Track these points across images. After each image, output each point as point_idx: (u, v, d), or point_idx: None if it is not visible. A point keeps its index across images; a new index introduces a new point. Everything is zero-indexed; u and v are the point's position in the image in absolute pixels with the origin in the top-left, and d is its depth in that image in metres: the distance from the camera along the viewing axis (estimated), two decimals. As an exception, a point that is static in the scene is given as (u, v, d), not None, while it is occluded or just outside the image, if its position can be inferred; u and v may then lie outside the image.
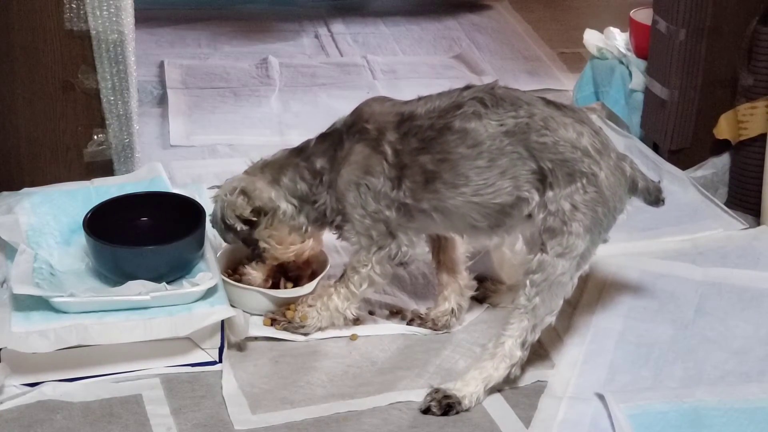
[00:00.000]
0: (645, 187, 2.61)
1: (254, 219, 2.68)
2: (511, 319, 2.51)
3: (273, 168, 2.70)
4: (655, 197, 2.65)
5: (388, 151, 2.57)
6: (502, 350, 2.49)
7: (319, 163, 2.65)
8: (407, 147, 2.56)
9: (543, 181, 2.49)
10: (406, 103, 2.65)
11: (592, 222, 2.49)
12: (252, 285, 2.75)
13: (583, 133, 2.51)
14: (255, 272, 2.76)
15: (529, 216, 2.52)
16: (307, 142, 2.72)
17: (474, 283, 2.82)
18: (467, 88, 2.60)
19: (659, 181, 2.70)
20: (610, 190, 2.51)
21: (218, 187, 2.79)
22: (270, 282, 2.78)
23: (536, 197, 2.50)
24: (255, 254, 2.76)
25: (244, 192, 2.67)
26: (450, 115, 2.54)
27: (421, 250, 2.70)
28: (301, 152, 2.70)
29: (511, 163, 2.50)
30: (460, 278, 2.79)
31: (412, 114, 2.58)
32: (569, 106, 2.60)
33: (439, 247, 2.79)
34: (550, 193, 2.49)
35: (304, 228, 2.70)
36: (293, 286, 2.79)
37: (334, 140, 2.65)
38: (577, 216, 2.48)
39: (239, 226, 2.69)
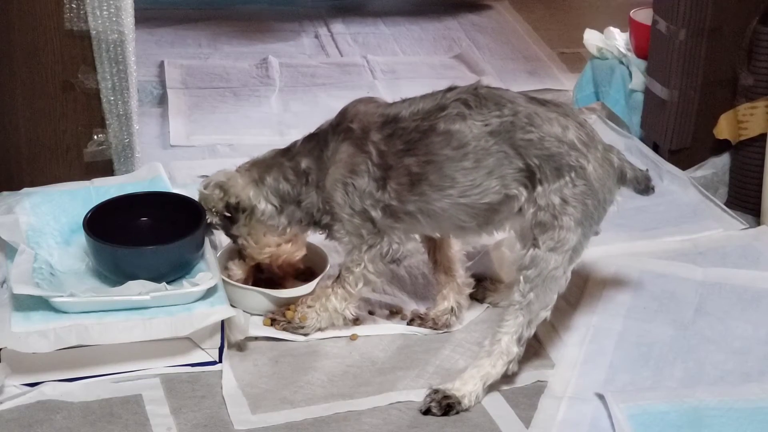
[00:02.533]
0: (633, 176, 2.62)
1: (228, 215, 2.69)
2: (506, 316, 2.51)
3: (260, 167, 2.72)
4: (644, 186, 2.66)
5: (373, 151, 2.57)
6: (498, 347, 2.49)
7: (305, 162, 2.66)
8: (392, 148, 2.56)
9: (531, 178, 2.50)
10: (391, 104, 2.65)
11: (583, 215, 2.50)
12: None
13: (568, 126, 2.51)
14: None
15: (519, 210, 2.53)
16: (295, 142, 2.73)
17: (471, 281, 2.82)
18: (451, 89, 2.60)
19: (647, 169, 2.70)
20: (599, 182, 2.51)
21: (206, 176, 2.81)
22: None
23: (524, 193, 2.51)
24: (239, 251, 2.77)
25: (220, 187, 2.69)
26: (434, 117, 2.54)
27: (413, 246, 2.69)
28: (287, 152, 2.72)
29: (498, 162, 2.50)
30: (458, 276, 2.79)
31: (397, 116, 2.58)
32: (552, 101, 2.61)
33: (435, 246, 2.79)
34: (539, 189, 2.49)
35: (281, 228, 2.70)
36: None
37: (319, 140, 2.66)
38: (567, 210, 2.48)
39: (212, 219, 2.71)
